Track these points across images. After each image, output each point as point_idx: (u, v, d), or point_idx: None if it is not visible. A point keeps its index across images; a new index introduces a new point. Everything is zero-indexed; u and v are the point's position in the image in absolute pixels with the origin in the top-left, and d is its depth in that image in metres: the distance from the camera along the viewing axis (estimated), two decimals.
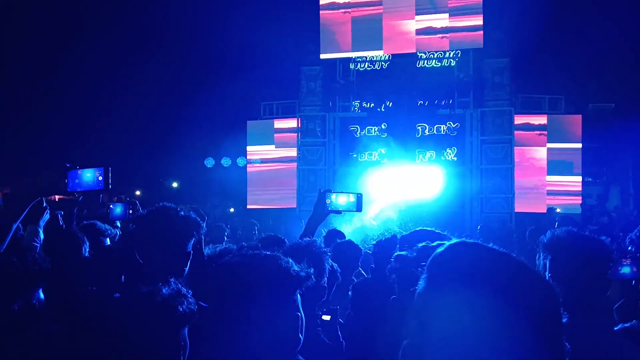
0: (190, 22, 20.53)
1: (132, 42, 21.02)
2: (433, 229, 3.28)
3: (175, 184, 23.82)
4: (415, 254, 2.66)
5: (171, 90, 21.64)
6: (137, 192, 19.33)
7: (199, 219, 2.82)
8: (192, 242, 2.75)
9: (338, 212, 3.50)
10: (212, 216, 11.60)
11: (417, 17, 17.46)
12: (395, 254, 2.81)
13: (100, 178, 2.71)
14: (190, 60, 21.29)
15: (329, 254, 2.89)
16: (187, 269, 2.71)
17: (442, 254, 1.21)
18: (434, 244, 2.34)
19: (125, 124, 20.77)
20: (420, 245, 2.69)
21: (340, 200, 3.47)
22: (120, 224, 4.94)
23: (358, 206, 3.46)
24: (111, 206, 4.45)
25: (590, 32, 17.46)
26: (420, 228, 3.29)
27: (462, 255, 1.19)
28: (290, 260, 1.88)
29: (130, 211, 4.41)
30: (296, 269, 1.85)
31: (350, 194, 3.49)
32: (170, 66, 20.87)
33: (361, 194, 3.49)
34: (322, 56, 18.16)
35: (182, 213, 2.77)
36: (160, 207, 2.80)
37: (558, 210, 14.77)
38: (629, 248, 4.17)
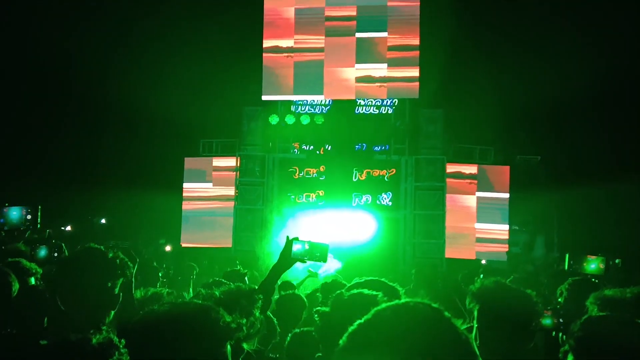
0: (130, 54, 20.29)
1: (69, 71, 20.47)
2: (382, 279, 3.25)
3: (104, 220, 22.99)
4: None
5: (106, 124, 21.12)
6: (68, 227, 18.49)
7: (127, 260, 2.74)
8: (120, 284, 2.67)
9: (303, 261, 3.42)
10: (144, 255, 11.23)
11: (357, 66, 18.02)
12: (315, 309, 2.73)
13: (29, 217, 2.62)
14: (128, 92, 20.92)
15: (259, 305, 2.84)
16: (114, 312, 2.62)
17: (369, 322, 1.26)
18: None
19: (56, 159, 20.02)
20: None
21: (307, 248, 3.39)
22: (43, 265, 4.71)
23: (324, 257, 3.40)
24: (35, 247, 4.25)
25: (518, 87, 18.57)
26: (368, 279, 3.25)
27: (387, 322, 1.25)
28: (222, 311, 1.84)
29: (56, 254, 4.23)
30: (227, 319, 1.81)
31: (318, 244, 3.42)
32: (108, 99, 20.43)
33: (328, 245, 3.43)
34: (264, 97, 18.34)
35: (110, 254, 2.69)
36: (87, 248, 2.71)
37: (483, 262, 15.30)
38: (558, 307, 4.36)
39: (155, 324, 1.76)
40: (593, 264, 3.38)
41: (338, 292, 2.69)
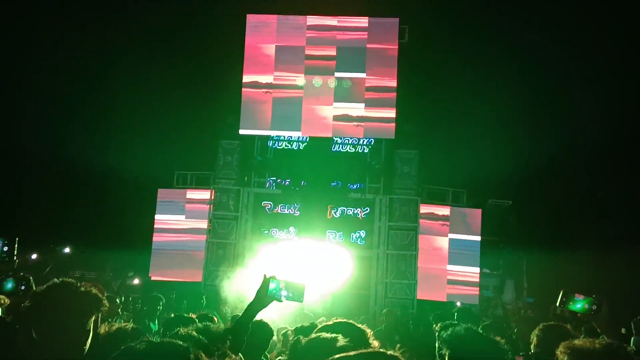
0: (110, 84, 20.28)
1: (49, 97, 20.31)
2: (350, 321, 3.25)
3: (67, 249, 22.39)
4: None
5: (79, 150, 20.83)
6: (34, 256, 17.98)
7: (100, 295, 2.69)
8: (92, 320, 2.61)
9: (280, 300, 3.38)
10: (112, 287, 11.00)
11: (335, 104, 18.27)
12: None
13: (6, 248, 2.56)
14: (104, 119, 20.81)
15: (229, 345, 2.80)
16: (86, 348, 2.57)
17: None
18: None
19: (24, 187, 19.64)
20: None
21: (284, 288, 3.37)
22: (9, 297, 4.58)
23: (300, 296, 3.38)
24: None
25: (490, 135, 19.04)
26: (337, 321, 3.24)
27: None
28: (200, 354, 1.82)
29: (23, 287, 4.12)
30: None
31: (295, 283, 3.40)
32: (79, 124, 20.28)
33: (304, 285, 3.41)
34: (242, 132, 18.39)
35: (83, 289, 2.64)
36: (60, 283, 2.66)
37: (458, 303, 15.34)
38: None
39: None
40: (579, 304, 3.44)
41: (295, 338, 2.67)
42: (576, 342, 3.07)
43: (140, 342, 1.87)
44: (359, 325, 3.14)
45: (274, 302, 3.38)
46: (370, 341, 2.99)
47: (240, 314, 3.51)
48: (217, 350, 2.34)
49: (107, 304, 2.84)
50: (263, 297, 3.35)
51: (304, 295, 3.35)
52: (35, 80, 19.93)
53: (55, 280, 2.68)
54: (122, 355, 1.80)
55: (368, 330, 3.11)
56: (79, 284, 2.65)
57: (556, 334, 4.15)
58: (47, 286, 2.63)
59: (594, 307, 3.49)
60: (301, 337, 2.62)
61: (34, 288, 3.20)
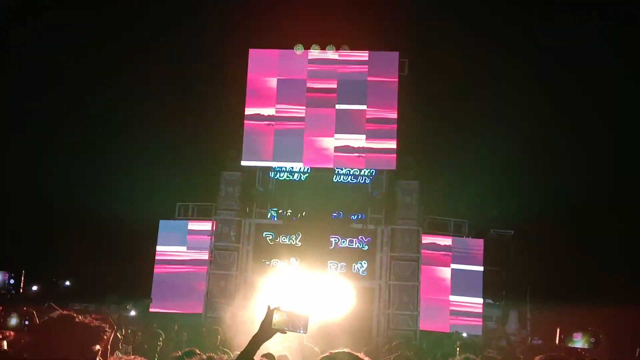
0: (110, 115, 20.49)
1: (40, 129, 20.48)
2: (352, 352, 3.25)
3: (68, 282, 22.25)
4: None
5: (79, 181, 20.90)
6: (34, 287, 17.90)
7: (101, 326, 2.72)
8: (100, 350, 2.64)
9: (283, 331, 3.39)
10: (113, 319, 10.88)
11: (337, 136, 18.44)
12: None
13: (12, 281, 2.61)
14: (106, 152, 20.93)
15: None
16: None
17: None
18: None
19: (25, 219, 19.68)
20: None
21: (288, 319, 3.37)
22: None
23: (304, 327, 3.38)
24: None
25: (491, 165, 19.11)
26: (340, 351, 3.24)
27: None
28: None
29: (26, 322, 4.17)
30: None
31: (299, 314, 3.41)
32: (88, 157, 20.43)
33: (308, 315, 3.41)
34: (243, 163, 18.52)
35: (81, 320, 2.66)
36: (58, 316, 2.68)
37: (465, 334, 15.18)
38: None
39: None
40: (579, 344, 3.48)
41: None
42: None
43: None
44: (359, 355, 3.14)
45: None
46: None
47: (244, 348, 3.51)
48: None
49: (108, 335, 2.86)
50: (267, 328, 3.35)
51: (307, 325, 3.36)
52: (40, 109, 20.15)
53: (54, 314, 2.70)
54: None
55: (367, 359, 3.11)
56: (77, 316, 2.67)
57: None
58: (45, 320, 2.65)
59: (593, 339, 3.52)
60: None
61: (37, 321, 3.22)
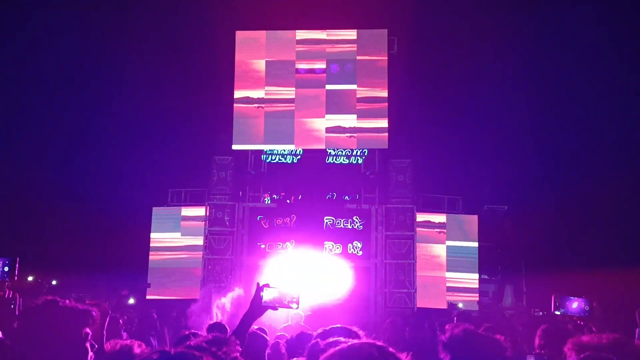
0: (99, 101, 20.27)
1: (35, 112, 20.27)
2: (346, 327, 3.26)
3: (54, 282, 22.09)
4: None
5: (68, 169, 20.71)
6: (30, 278, 17.78)
7: (90, 309, 2.65)
8: (88, 333, 2.57)
9: (274, 308, 3.35)
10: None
11: (327, 116, 18.32)
12: None
13: (7, 269, 2.53)
14: (97, 139, 20.71)
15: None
16: None
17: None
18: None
19: (19, 207, 19.50)
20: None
21: (277, 295, 3.33)
22: None
23: (296, 303, 3.34)
24: None
25: (483, 140, 19.11)
26: (334, 326, 3.24)
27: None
28: None
29: (12, 305, 4.08)
30: None
31: (289, 290, 3.37)
32: (78, 145, 20.22)
33: (299, 292, 3.38)
34: (234, 147, 18.39)
35: (71, 304, 2.60)
36: (44, 301, 2.61)
37: (460, 305, 15.28)
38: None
39: None
40: (575, 304, 3.46)
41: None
42: (583, 338, 3.06)
43: (154, 353, 1.90)
44: (352, 328, 3.14)
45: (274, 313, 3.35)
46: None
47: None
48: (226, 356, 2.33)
49: (100, 319, 2.78)
50: (257, 305, 3.31)
51: (299, 302, 3.32)
52: (27, 94, 19.90)
53: (38, 300, 2.63)
54: None
55: (361, 332, 3.10)
56: (61, 301, 2.60)
57: (559, 333, 4.15)
58: (31, 306, 2.59)
59: (587, 307, 3.51)
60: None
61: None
